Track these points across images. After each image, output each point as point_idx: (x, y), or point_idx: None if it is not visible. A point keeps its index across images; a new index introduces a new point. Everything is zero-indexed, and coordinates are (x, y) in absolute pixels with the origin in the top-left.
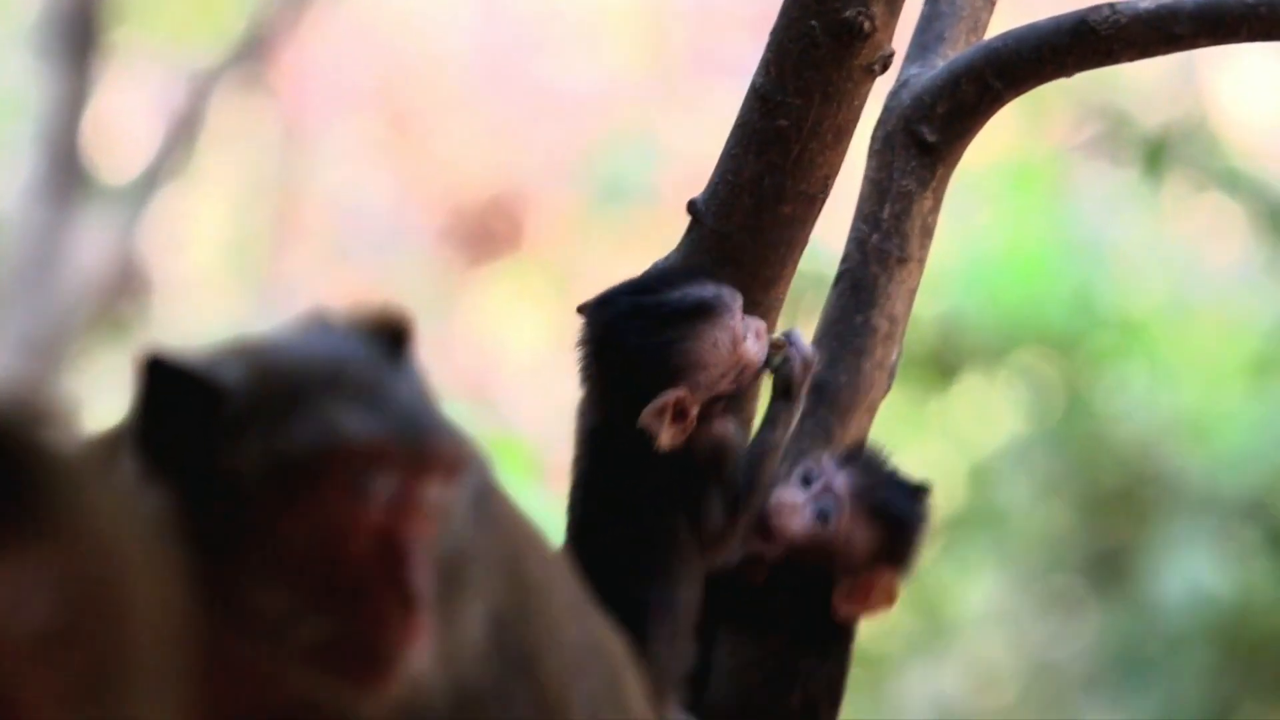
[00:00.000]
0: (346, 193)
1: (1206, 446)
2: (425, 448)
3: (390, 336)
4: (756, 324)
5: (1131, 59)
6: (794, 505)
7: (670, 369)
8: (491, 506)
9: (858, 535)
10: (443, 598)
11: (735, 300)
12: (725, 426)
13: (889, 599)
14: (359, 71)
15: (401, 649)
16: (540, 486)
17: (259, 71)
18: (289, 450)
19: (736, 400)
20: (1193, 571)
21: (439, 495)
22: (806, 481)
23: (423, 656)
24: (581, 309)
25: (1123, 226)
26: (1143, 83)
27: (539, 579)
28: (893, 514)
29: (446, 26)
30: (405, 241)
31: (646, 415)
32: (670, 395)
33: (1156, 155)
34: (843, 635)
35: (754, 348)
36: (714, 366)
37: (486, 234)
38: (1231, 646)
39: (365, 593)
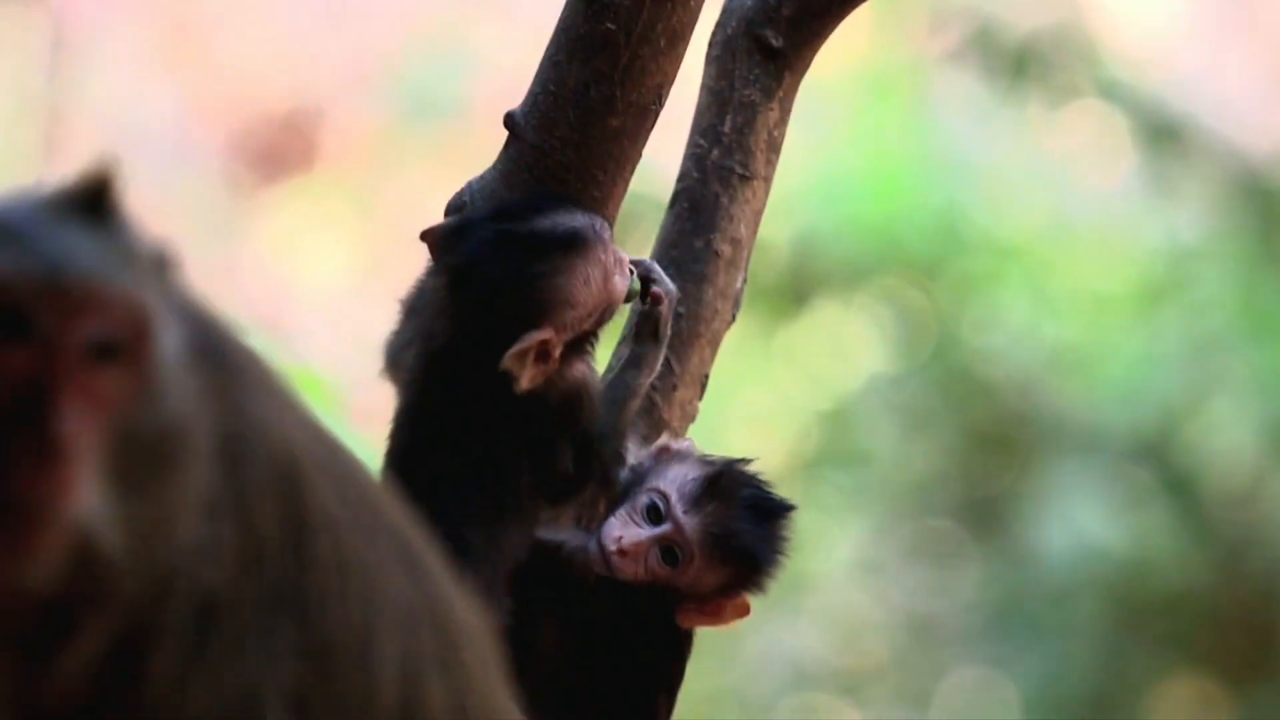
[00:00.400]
0: (122, 107)
1: (1091, 382)
2: (65, 286)
3: (87, 197)
4: (622, 256)
5: None
6: (637, 546)
7: (538, 305)
8: (253, 408)
9: (709, 575)
10: (132, 467)
11: (606, 231)
12: (584, 368)
13: (742, 614)
14: None
15: (43, 503)
16: (340, 423)
17: None
18: None
19: (594, 338)
20: (1078, 518)
21: (103, 345)
22: (653, 514)
23: (79, 517)
24: (427, 235)
25: (992, 142)
26: None
27: (330, 519)
28: (748, 554)
29: None
30: (188, 160)
31: (510, 358)
32: (536, 337)
33: (1026, 64)
34: (683, 636)
35: (621, 284)
36: (583, 304)
37: (278, 152)
38: (1122, 600)
39: (4, 442)
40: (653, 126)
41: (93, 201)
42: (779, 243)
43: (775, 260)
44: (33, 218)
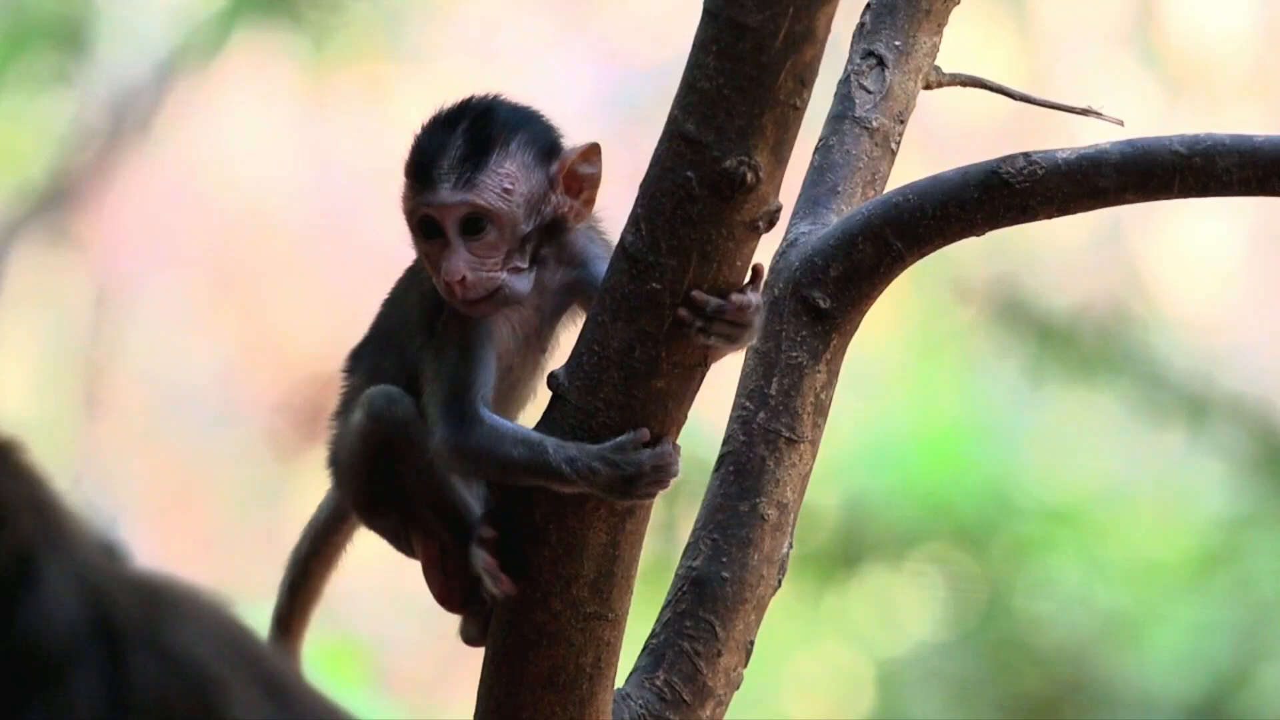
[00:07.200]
0: (166, 363)
1: (1143, 650)
2: None
3: None
4: None
5: (1049, 216)
6: None
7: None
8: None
9: None
10: None
11: None
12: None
13: None
14: (180, 225)
15: None
16: (379, 694)
17: (66, 224)
18: None
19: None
20: None
21: None
22: None
23: None
24: None
25: (1042, 406)
26: (1064, 248)
27: None
28: None
29: (278, 177)
30: (233, 420)
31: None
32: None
33: (1074, 331)
34: None
35: None
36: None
37: (325, 412)
38: None
39: None
40: (698, 388)
41: None
42: (827, 507)
43: (823, 525)
44: None
